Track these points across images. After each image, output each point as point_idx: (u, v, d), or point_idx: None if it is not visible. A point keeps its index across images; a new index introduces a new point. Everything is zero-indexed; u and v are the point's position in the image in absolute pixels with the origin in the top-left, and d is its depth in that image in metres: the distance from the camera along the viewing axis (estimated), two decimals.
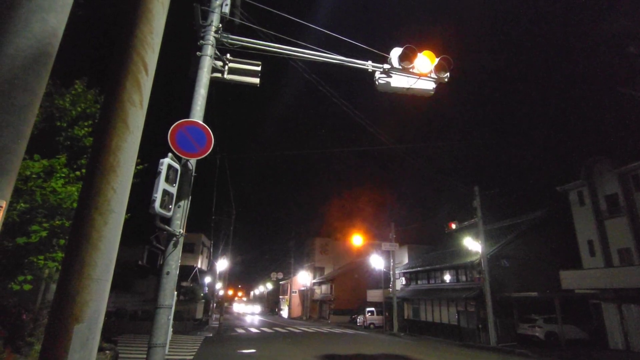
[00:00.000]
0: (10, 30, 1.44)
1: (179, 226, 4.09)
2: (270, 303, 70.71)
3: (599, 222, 20.36)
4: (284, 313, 56.86)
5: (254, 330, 25.75)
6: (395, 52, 5.85)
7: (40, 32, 1.51)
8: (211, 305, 34.18)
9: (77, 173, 7.02)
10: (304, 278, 52.10)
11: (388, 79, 5.95)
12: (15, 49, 1.43)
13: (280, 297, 62.99)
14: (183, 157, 4.18)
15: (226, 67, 5.44)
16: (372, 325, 31.23)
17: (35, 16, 1.51)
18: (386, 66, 5.90)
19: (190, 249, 38.17)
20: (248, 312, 68.58)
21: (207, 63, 5.01)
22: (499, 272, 21.58)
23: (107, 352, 8.50)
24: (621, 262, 18.89)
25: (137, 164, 8.31)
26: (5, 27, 1.46)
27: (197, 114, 4.64)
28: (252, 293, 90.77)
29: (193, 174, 4.42)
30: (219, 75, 5.38)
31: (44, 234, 5.94)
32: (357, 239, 29.80)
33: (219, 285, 34.12)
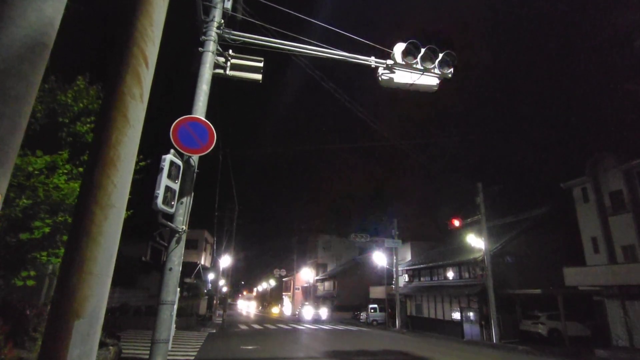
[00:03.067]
0: (5, 19, 1.41)
1: (181, 222, 4.07)
2: (274, 300, 70.91)
3: (603, 218, 20.23)
4: (287, 310, 57.06)
5: (256, 326, 25.87)
6: (399, 48, 5.79)
7: (36, 22, 1.49)
8: (214, 301, 34.34)
9: (80, 169, 7.02)
10: (306, 275, 52.25)
11: (391, 75, 5.90)
12: (10, 38, 1.41)
13: (283, 293, 63.20)
14: (185, 153, 4.16)
15: (228, 63, 5.41)
16: (374, 322, 31.28)
17: (31, 5, 1.48)
18: (389, 62, 5.85)
19: (193, 246, 38.33)
20: (306, 319, 35.24)
21: (209, 59, 4.98)
22: (502, 269, 21.52)
23: (111, 347, 8.54)
24: (625, 259, 18.78)
25: (139, 161, 8.32)
26: (0, 16, 1.42)
27: (200, 110, 4.62)
28: (255, 289, 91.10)
29: (195, 170, 4.40)
30: (221, 71, 5.35)
31: (46, 230, 5.95)
32: (360, 236, 29.79)
33: (222, 281, 34.25)
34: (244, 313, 54.61)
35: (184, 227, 4.09)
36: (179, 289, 4.07)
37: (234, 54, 5.46)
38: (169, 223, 3.98)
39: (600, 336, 18.38)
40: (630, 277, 16.39)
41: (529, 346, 17.14)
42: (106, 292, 1.82)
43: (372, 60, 5.91)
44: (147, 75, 2.09)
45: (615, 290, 17.52)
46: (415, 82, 5.94)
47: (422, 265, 29.54)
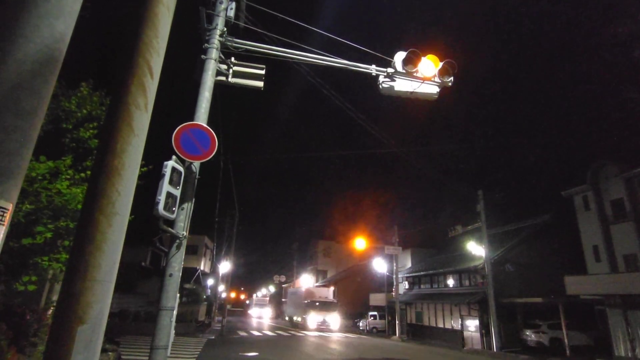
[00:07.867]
0: (18, 35, 1.46)
1: (182, 228, 4.10)
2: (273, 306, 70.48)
3: (605, 227, 20.18)
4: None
5: (256, 333, 25.71)
6: (399, 56, 5.85)
7: (48, 38, 1.54)
8: (214, 307, 34.17)
9: (82, 175, 7.07)
10: (306, 281, 51.97)
11: (392, 83, 5.96)
12: (23, 54, 1.45)
13: (283, 300, 62.86)
14: (187, 159, 4.19)
15: (230, 71, 5.47)
16: (374, 330, 31.05)
17: (43, 22, 1.53)
18: (390, 70, 5.91)
19: (193, 251, 38.27)
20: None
21: (211, 66, 5.04)
22: (502, 277, 21.43)
23: (110, 353, 8.52)
24: (627, 268, 18.70)
25: (141, 166, 8.36)
26: (13, 32, 1.48)
27: (202, 116, 4.66)
28: (254, 295, 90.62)
29: (197, 176, 4.43)
30: (224, 78, 5.41)
31: (48, 235, 5.98)
32: (359, 243, 29.70)
33: (222, 286, 34.12)
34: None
35: (185, 232, 4.11)
36: (178, 295, 4.08)
37: (236, 62, 5.53)
38: (170, 229, 4.00)
39: (602, 346, 18.24)
40: (632, 286, 16.29)
41: (530, 355, 17.02)
42: (109, 298, 1.84)
43: (372, 69, 5.97)
44: (151, 85, 2.13)
45: (617, 299, 17.41)
46: (415, 91, 5.99)
47: (422, 273, 29.42)
